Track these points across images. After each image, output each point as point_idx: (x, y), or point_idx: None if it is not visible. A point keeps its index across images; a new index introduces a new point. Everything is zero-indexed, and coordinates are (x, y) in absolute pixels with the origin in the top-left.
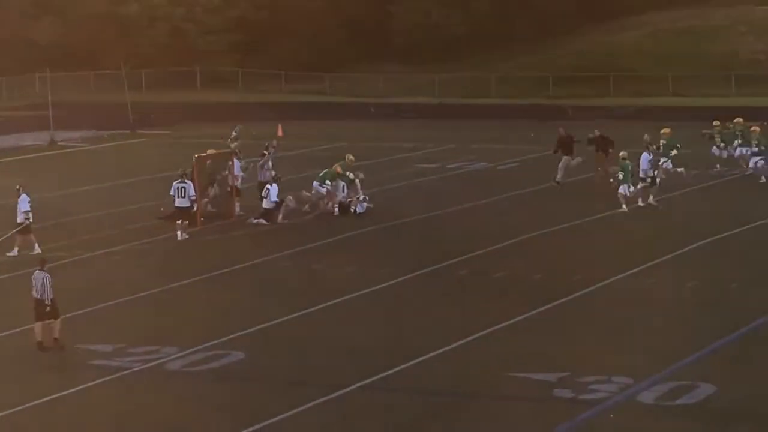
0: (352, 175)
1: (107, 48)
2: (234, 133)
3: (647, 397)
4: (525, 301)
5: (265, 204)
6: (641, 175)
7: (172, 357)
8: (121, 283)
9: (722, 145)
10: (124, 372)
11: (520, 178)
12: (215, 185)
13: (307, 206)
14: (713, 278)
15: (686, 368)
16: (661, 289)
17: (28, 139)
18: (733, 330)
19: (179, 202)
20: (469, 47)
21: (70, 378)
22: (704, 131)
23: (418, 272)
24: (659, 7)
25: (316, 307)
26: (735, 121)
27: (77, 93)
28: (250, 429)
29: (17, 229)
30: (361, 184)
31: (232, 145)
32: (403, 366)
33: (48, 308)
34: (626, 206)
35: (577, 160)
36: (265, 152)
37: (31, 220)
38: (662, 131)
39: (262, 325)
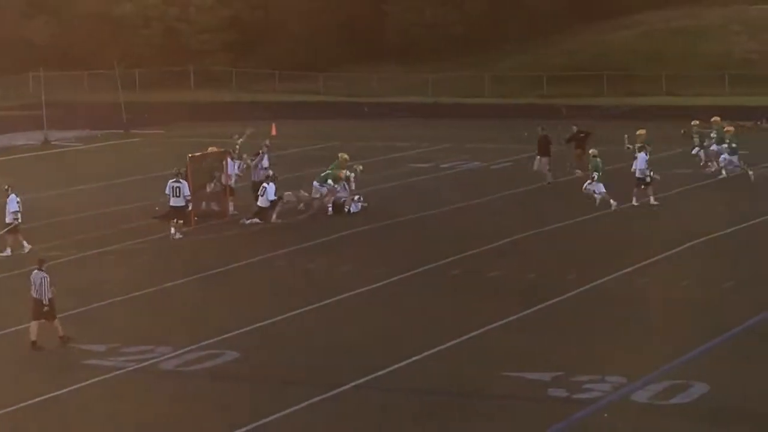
0: (348, 172)
1: (101, 48)
2: (245, 134)
3: (641, 396)
4: (519, 301)
5: (260, 202)
6: (639, 174)
7: (167, 356)
8: (115, 282)
9: (698, 143)
10: (118, 372)
11: (514, 177)
12: (214, 182)
13: (302, 205)
14: (707, 278)
15: (680, 368)
16: (654, 288)
17: (22, 138)
18: (726, 329)
19: (174, 202)
20: (463, 47)
21: (64, 378)
22: (683, 130)
23: (413, 272)
24: (653, 7)
25: (311, 307)
26: (712, 120)
27: (71, 93)
28: (245, 428)
29: (6, 229)
30: (356, 176)
31: (239, 141)
32: (397, 365)
33: (46, 308)
34: (613, 204)
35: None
36: (259, 152)
37: (19, 221)
38: (638, 132)
39: (257, 325)
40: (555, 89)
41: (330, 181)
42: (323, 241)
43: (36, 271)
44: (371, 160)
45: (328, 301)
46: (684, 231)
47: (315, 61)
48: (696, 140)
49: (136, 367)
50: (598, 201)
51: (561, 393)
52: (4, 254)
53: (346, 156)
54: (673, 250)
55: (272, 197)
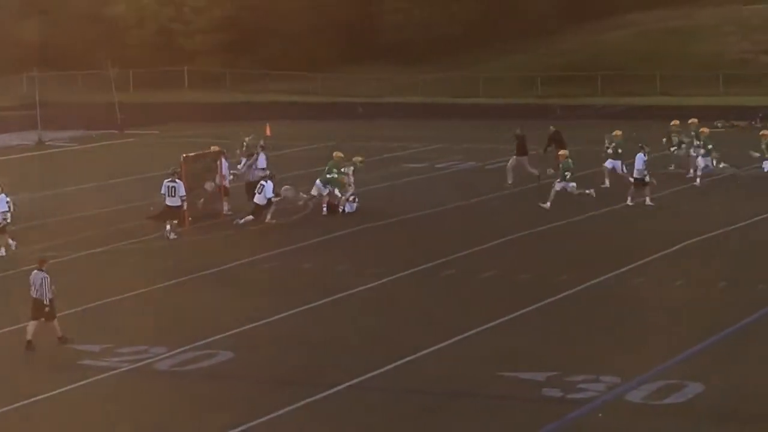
0: (349, 168)
1: (95, 48)
2: (251, 137)
3: (635, 396)
4: (513, 301)
5: (257, 199)
6: (636, 175)
7: (161, 357)
8: (109, 282)
9: (675, 144)
10: (113, 372)
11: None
12: (214, 181)
13: (301, 201)
14: (701, 278)
15: (674, 367)
16: (649, 288)
17: (16, 139)
18: (720, 329)
19: (170, 201)
20: (457, 47)
21: (59, 378)
22: (664, 139)
23: (407, 272)
24: (647, 7)
25: (306, 307)
26: (690, 122)
27: (65, 93)
28: (240, 428)
29: None
30: (355, 170)
31: (246, 138)
32: (392, 365)
33: (47, 308)
34: (548, 203)
35: (534, 171)
36: (253, 152)
37: (8, 221)
38: (613, 133)
39: (252, 325)
40: (549, 89)
41: (336, 190)
42: (318, 241)
43: (36, 271)
44: (365, 160)
45: (322, 300)
46: (678, 231)
47: (309, 62)
48: (674, 140)
49: (131, 367)
50: (576, 192)
51: (555, 393)
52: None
53: (341, 154)
54: (668, 250)
55: (270, 195)
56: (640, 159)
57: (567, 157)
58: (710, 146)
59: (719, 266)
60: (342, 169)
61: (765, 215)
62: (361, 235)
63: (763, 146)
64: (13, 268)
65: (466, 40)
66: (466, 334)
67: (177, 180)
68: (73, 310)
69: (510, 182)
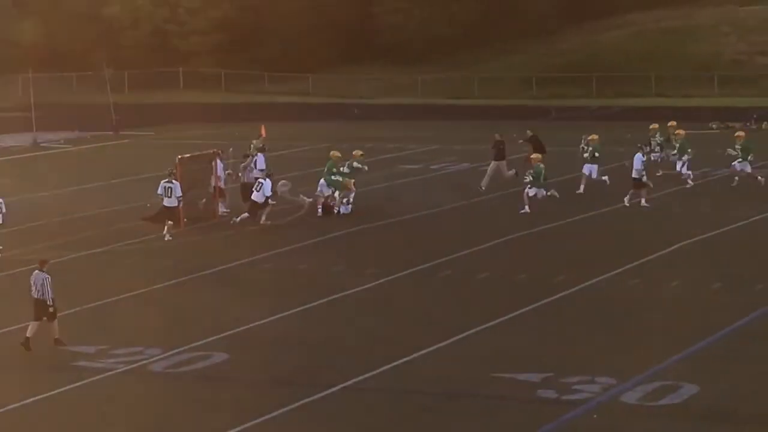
0: (346, 169)
1: (90, 49)
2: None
3: (631, 397)
4: (510, 301)
5: (255, 196)
6: (634, 175)
7: (156, 358)
8: (104, 284)
9: (658, 148)
10: (108, 373)
11: (504, 178)
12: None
13: (301, 203)
14: (696, 279)
15: (669, 368)
16: (644, 289)
17: (10, 140)
18: (716, 330)
19: (167, 202)
20: (452, 48)
21: (53, 379)
22: (640, 144)
23: (404, 272)
24: (642, 8)
25: (301, 308)
26: (669, 124)
27: (60, 94)
28: (235, 429)
29: None
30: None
31: (254, 141)
32: (388, 366)
33: (51, 308)
34: (528, 208)
35: (511, 173)
36: (249, 154)
37: (0, 222)
38: (589, 137)
39: (247, 326)
40: (544, 90)
41: (336, 192)
42: (314, 242)
43: (37, 271)
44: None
45: (319, 301)
46: (674, 232)
47: (304, 63)
48: (653, 143)
49: (126, 368)
50: (547, 194)
51: (550, 394)
52: None
53: (338, 154)
54: (664, 251)
55: (268, 193)
56: (638, 159)
57: (539, 162)
58: (689, 149)
59: (714, 267)
60: (347, 166)
61: (759, 216)
62: (357, 236)
63: (738, 147)
64: (6, 269)
65: (466, 40)
66: (463, 335)
67: (174, 181)
68: (69, 311)
69: (483, 188)
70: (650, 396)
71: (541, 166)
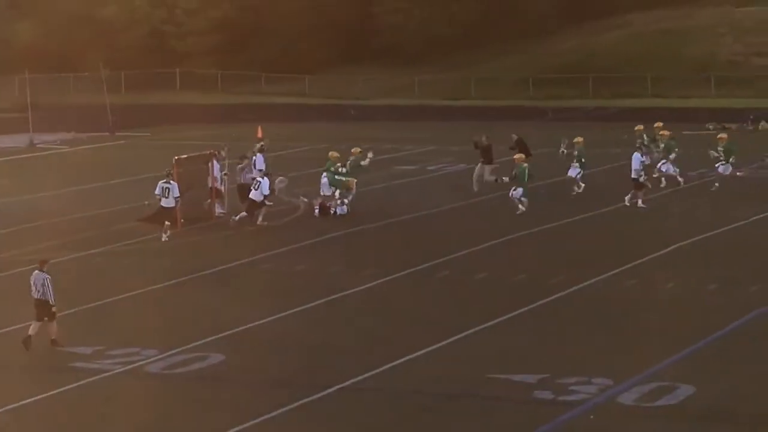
0: (345, 168)
1: (87, 50)
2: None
3: (627, 398)
4: (505, 303)
5: (253, 195)
6: (633, 175)
7: (153, 359)
8: (101, 284)
9: (644, 149)
10: (105, 374)
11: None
12: (223, 183)
13: (300, 204)
14: (692, 279)
15: (666, 369)
16: (641, 290)
17: (7, 141)
18: (712, 331)
19: (164, 202)
20: (449, 49)
21: (50, 380)
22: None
23: (401, 273)
24: (639, 9)
25: (298, 308)
26: (656, 125)
27: (57, 95)
28: (234, 430)
29: None
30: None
31: (262, 142)
32: (385, 367)
33: (53, 307)
34: (523, 207)
35: (491, 179)
36: (246, 154)
37: None
38: (575, 140)
39: (244, 327)
40: (541, 91)
41: (337, 191)
42: (311, 243)
43: (37, 272)
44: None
45: (316, 302)
46: (670, 233)
47: (301, 64)
48: (639, 144)
49: (122, 369)
50: (520, 205)
51: (547, 395)
52: None
53: (337, 154)
54: (660, 252)
55: (266, 191)
56: (636, 159)
57: (522, 162)
58: (677, 149)
59: (711, 268)
60: (349, 165)
61: (755, 217)
62: (354, 237)
63: (720, 149)
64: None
65: (465, 40)
66: (458, 336)
67: (171, 181)
68: (66, 312)
69: (476, 189)
70: (647, 397)
71: (524, 165)
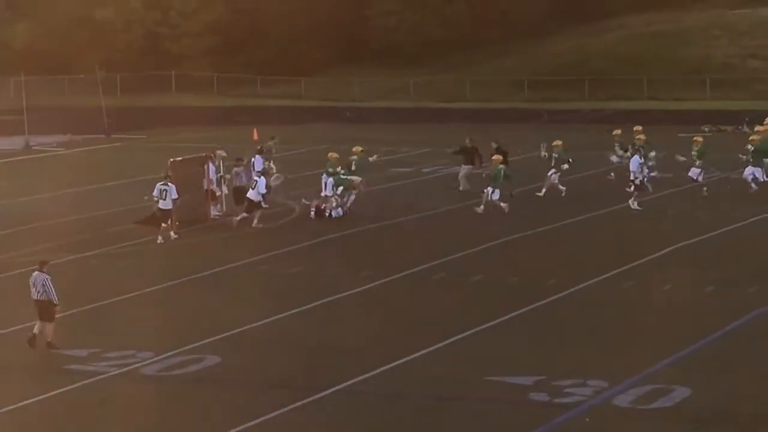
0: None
1: (82, 52)
2: (275, 140)
3: (623, 400)
4: (502, 305)
5: (250, 194)
6: (631, 177)
7: (149, 361)
8: (97, 287)
9: (620, 152)
10: (100, 377)
11: None
12: (224, 185)
13: (303, 200)
14: (688, 282)
15: (662, 371)
16: (637, 292)
17: (3, 143)
18: (708, 333)
19: (162, 204)
20: (444, 51)
21: (45, 383)
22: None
23: (398, 275)
24: (634, 11)
25: (294, 310)
26: (635, 129)
27: (52, 97)
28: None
29: None
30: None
31: (271, 142)
32: (381, 369)
33: (57, 306)
34: (483, 208)
35: (463, 185)
36: (242, 157)
37: None
38: (554, 143)
39: (239, 329)
40: (536, 93)
41: (340, 189)
42: (307, 245)
43: (37, 272)
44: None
45: (314, 304)
46: (666, 235)
47: (297, 66)
48: (617, 148)
49: (118, 372)
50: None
51: (542, 397)
52: None
53: (336, 155)
54: (656, 254)
55: (263, 190)
56: (635, 161)
57: (498, 162)
58: (653, 152)
59: (707, 270)
60: (353, 164)
61: (752, 219)
62: (351, 239)
63: (694, 153)
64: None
65: (459, 43)
66: (454, 338)
67: (169, 184)
68: (63, 314)
69: (466, 189)
70: (642, 399)
71: (500, 167)
